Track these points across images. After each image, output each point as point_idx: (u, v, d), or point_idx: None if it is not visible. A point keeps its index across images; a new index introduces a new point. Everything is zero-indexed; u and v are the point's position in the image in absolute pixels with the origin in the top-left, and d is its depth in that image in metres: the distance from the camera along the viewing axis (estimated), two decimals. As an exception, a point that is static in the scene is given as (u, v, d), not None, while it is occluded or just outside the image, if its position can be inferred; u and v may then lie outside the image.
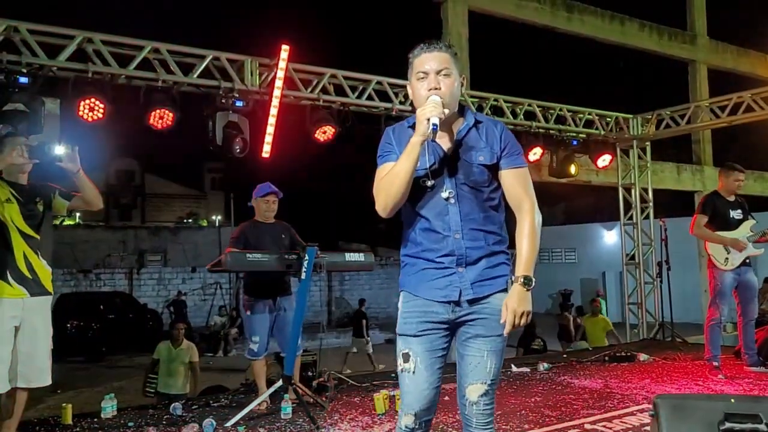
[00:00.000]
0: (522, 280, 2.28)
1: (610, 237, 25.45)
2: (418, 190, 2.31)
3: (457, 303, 2.31)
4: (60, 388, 10.57)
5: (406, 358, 2.34)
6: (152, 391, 7.49)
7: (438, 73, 2.29)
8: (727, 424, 2.69)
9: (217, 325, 18.02)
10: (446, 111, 2.24)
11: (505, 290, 2.34)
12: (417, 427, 2.35)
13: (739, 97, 8.47)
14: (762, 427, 2.66)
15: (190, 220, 38.85)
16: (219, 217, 40.18)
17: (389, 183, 2.27)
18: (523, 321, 2.25)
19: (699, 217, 5.85)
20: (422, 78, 2.31)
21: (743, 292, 5.85)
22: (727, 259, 5.74)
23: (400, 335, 2.39)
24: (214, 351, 16.66)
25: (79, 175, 3.85)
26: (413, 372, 2.32)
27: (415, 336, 2.33)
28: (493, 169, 2.36)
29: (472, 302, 2.32)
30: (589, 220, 27.61)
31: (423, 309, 2.34)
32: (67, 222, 29.87)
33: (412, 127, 2.31)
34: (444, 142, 2.34)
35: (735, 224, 5.83)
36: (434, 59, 2.30)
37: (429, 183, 2.29)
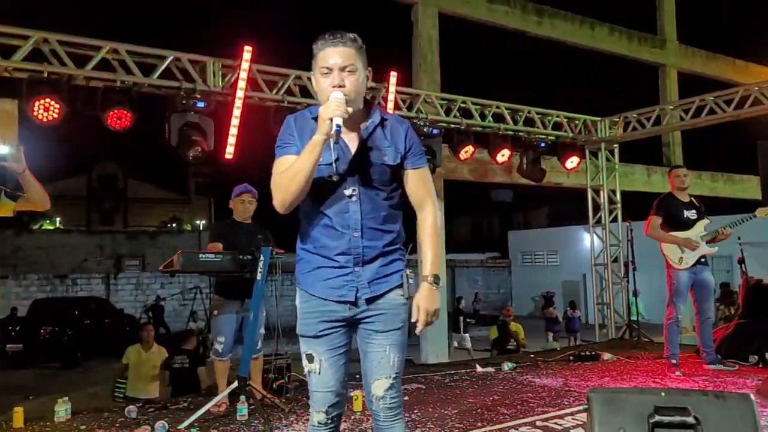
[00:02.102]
0: (431, 279, 2.30)
1: (590, 239, 25.61)
2: (320, 186, 2.27)
3: (354, 303, 2.31)
4: (33, 394, 10.45)
5: (311, 359, 2.35)
6: (121, 396, 7.41)
7: (342, 69, 2.23)
8: (657, 417, 2.72)
9: (194, 330, 17.88)
10: (350, 109, 2.20)
11: (401, 285, 2.35)
12: (330, 421, 2.37)
13: (702, 100, 8.59)
14: (690, 419, 2.69)
15: (173, 225, 38.55)
16: (203, 222, 39.90)
17: (289, 180, 2.22)
18: (434, 319, 2.28)
19: (653, 218, 5.95)
20: (326, 74, 2.25)
21: (699, 291, 5.92)
22: (681, 258, 5.82)
23: (301, 336, 2.38)
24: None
25: (24, 175, 3.79)
26: (319, 372, 2.33)
27: (315, 337, 2.33)
28: (396, 169, 2.35)
29: (369, 300, 2.32)
30: (572, 223, 27.77)
31: (320, 309, 2.32)
32: (45, 227, 29.60)
33: (316, 119, 2.25)
34: (349, 139, 2.30)
35: (690, 224, 5.91)
36: (339, 54, 2.23)
37: (335, 178, 2.27)
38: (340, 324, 2.33)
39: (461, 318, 14.16)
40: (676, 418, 2.71)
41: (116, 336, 16.57)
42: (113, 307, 19.34)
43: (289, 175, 2.22)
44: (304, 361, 2.38)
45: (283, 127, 2.38)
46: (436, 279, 2.30)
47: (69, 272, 22.33)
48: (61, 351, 15.43)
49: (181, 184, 42.76)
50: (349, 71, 2.24)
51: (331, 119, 2.15)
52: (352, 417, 4.60)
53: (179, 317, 21.00)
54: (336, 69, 2.23)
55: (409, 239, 2.46)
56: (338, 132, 2.16)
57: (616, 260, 10.08)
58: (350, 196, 2.29)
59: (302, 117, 2.37)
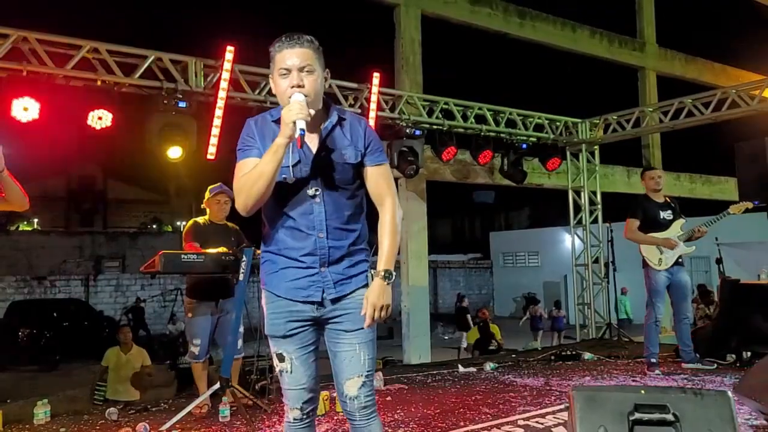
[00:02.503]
0: (383, 274, 2.29)
1: (571, 240, 25.79)
2: (282, 188, 2.27)
3: (321, 303, 2.31)
4: (11, 397, 10.28)
5: (281, 358, 2.36)
6: (101, 399, 7.34)
7: (301, 69, 2.23)
8: (637, 414, 2.76)
9: (173, 333, 17.75)
10: (312, 111, 2.21)
11: (366, 285, 2.35)
12: (305, 417, 2.40)
13: (681, 103, 8.71)
14: (669, 416, 2.73)
15: (154, 226, 38.20)
16: (183, 223, 39.53)
17: (252, 183, 2.21)
18: (383, 314, 2.26)
19: (631, 221, 6.00)
20: (284, 75, 2.25)
21: (676, 291, 6.00)
22: (660, 259, 5.89)
23: (270, 337, 2.39)
24: (174, 358, 16.42)
25: (3, 175, 3.74)
26: (290, 371, 2.35)
27: (284, 337, 2.34)
28: (358, 167, 2.36)
29: (335, 300, 2.32)
30: (554, 224, 27.97)
31: (288, 309, 2.33)
32: (23, 228, 29.18)
33: (276, 122, 2.27)
34: (310, 140, 2.30)
35: (666, 225, 5.99)
36: (297, 55, 2.24)
37: (290, 181, 2.27)
38: (307, 323, 2.34)
39: (468, 316, 14.68)
40: (656, 416, 2.75)
41: (95, 338, 16.40)
42: (92, 309, 19.14)
43: (252, 177, 2.21)
44: (275, 361, 2.39)
45: (244, 129, 2.38)
46: (388, 274, 2.30)
47: (47, 274, 22.05)
48: (39, 353, 15.24)
49: (161, 184, 42.31)
50: (307, 71, 2.25)
51: (294, 123, 2.15)
52: (335, 417, 4.60)
53: (159, 319, 20.84)
54: (294, 69, 2.24)
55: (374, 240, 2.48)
56: (302, 136, 2.16)
57: (596, 261, 10.18)
58: (313, 197, 2.29)
59: (263, 119, 2.37)
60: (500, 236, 32.86)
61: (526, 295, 27.73)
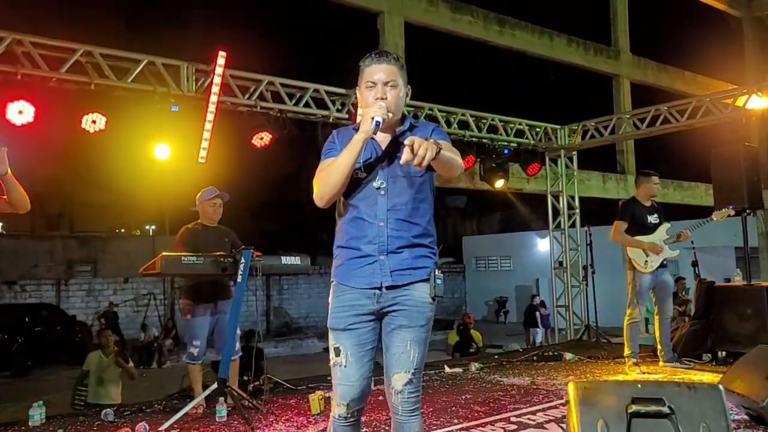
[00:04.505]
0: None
1: (543, 245, 26.17)
2: (352, 182, 2.46)
3: (380, 288, 2.44)
4: (-16, 404, 10.11)
5: (337, 352, 2.47)
6: (81, 403, 7.29)
7: (385, 84, 2.47)
8: (635, 407, 2.90)
9: (144, 340, 17.59)
10: (390, 114, 2.43)
11: (427, 280, 2.48)
12: (350, 415, 2.48)
13: (657, 110, 8.99)
14: (665, 409, 2.88)
15: (122, 230, 37.68)
16: (153, 227, 39.07)
17: (328, 174, 2.42)
18: (425, 152, 2.19)
19: (619, 223, 6.18)
20: (371, 87, 2.48)
21: (660, 292, 6.22)
22: (646, 262, 6.09)
23: (330, 329, 2.51)
24: (148, 363, 16.30)
25: (7, 176, 3.77)
26: (344, 366, 2.45)
27: (344, 330, 2.46)
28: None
29: (392, 289, 2.45)
30: (524, 229, 28.32)
31: (351, 303, 2.46)
32: (-11, 232, 28.54)
33: (357, 130, 2.45)
34: (382, 140, 2.53)
35: (653, 228, 6.20)
36: (383, 71, 2.47)
37: (361, 175, 2.47)
38: (368, 318, 2.46)
39: (537, 314, 15.68)
40: (652, 408, 2.90)
41: (68, 343, 16.20)
42: (65, 313, 18.86)
43: (329, 170, 2.43)
44: (331, 354, 2.50)
45: (328, 138, 2.61)
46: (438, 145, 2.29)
47: (18, 278, 21.63)
48: (11, 359, 14.98)
49: (131, 187, 41.64)
50: (391, 86, 2.48)
51: (372, 118, 2.35)
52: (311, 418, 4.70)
53: (133, 324, 20.60)
54: (380, 83, 2.47)
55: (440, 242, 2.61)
56: (378, 126, 2.36)
57: (572, 264, 10.42)
58: (378, 188, 2.48)
59: (345, 130, 2.59)
60: (473, 240, 33.14)
61: (497, 298, 28.08)
